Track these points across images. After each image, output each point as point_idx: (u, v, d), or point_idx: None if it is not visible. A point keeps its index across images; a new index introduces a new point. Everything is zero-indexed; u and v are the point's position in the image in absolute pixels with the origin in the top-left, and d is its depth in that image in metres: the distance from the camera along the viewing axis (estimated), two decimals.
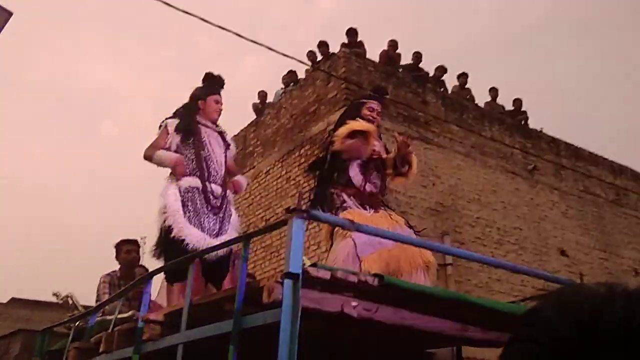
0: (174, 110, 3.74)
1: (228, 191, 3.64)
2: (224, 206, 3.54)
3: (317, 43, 9.23)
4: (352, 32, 9.02)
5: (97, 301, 4.30)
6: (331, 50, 9.11)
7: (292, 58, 6.99)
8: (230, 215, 3.58)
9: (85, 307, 4.38)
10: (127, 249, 4.57)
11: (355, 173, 3.61)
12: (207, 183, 3.47)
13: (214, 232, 3.40)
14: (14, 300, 18.02)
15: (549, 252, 8.80)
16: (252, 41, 6.48)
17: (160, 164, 3.49)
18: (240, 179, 3.88)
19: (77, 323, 3.98)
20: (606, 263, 9.41)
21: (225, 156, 3.72)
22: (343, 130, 3.61)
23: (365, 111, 3.80)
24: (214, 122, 3.75)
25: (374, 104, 3.86)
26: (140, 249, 4.90)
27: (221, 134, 3.79)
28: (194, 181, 3.45)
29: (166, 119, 3.64)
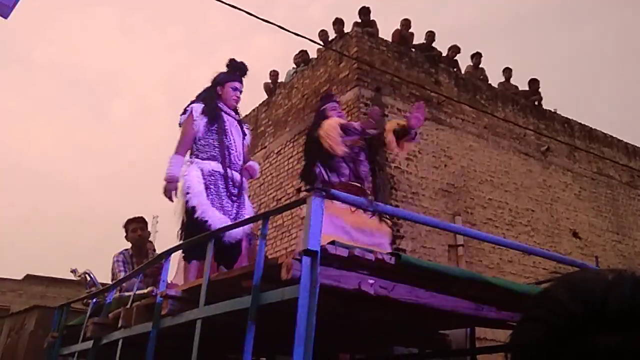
0: (197, 94, 3.75)
1: (244, 179, 3.68)
2: (241, 193, 3.59)
3: (333, 20, 9.12)
4: (364, 11, 8.92)
5: (113, 279, 4.36)
6: (346, 28, 9.02)
7: (303, 37, 6.94)
8: (244, 201, 3.63)
9: (102, 284, 4.43)
10: (132, 228, 4.61)
11: (343, 167, 3.65)
12: (227, 169, 3.51)
13: (232, 217, 3.44)
14: (29, 277, 18.29)
15: (562, 234, 8.78)
16: (264, 20, 6.43)
17: (167, 167, 3.49)
18: (254, 164, 3.91)
19: (95, 299, 4.03)
20: (619, 245, 9.38)
21: (243, 145, 3.75)
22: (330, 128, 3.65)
23: (331, 113, 3.92)
24: (232, 109, 3.76)
25: (334, 104, 4.02)
26: (154, 225, 4.93)
27: (240, 122, 3.82)
28: (216, 166, 3.49)
29: (191, 103, 3.66)
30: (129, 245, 4.63)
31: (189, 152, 3.58)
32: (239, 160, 3.65)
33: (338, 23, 9.04)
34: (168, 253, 3.31)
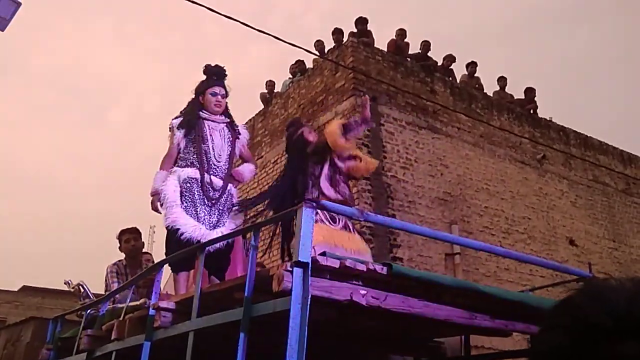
0: (180, 110, 3.79)
1: (230, 184, 3.65)
2: (224, 199, 3.56)
3: (332, 30, 9.14)
4: (361, 21, 8.97)
5: (106, 291, 4.34)
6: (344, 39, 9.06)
7: (299, 47, 6.97)
8: (231, 207, 3.61)
9: (96, 295, 4.42)
10: (126, 238, 4.59)
11: (325, 185, 3.69)
12: (205, 174, 3.50)
13: (211, 224, 3.42)
14: (25, 288, 18.22)
15: (558, 242, 8.78)
16: (259, 30, 6.46)
17: (153, 181, 3.54)
18: (243, 168, 3.86)
19: (89, 311, 4.02)
20: (615, 253, 9.38)
21: (232, 147, 3.71)
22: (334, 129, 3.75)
23: (309, 135, 4.00)
24: (217, 114, 3.73)
25: (306, 128, 4.14)
26: (151, 235, 4.92)
27: (230, 124, 3.78)
28: (193, 172, 3.50)
29: (172, 119, 3.71)
30: (122, 256, 4.61)
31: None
32: (220, 163, 3.62)
33: (337, 33, 9.08)
34: (159, 265, 3.31)
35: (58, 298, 15.81)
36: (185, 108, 3.78)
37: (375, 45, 8.63)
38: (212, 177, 3.54)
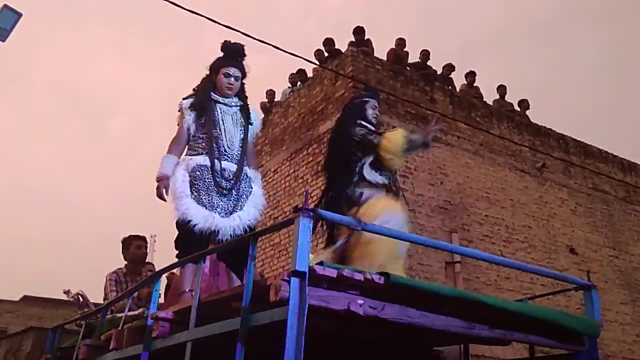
0: (193, 87, 3.57)
1: (247, 168, 3.44)
2: (240, 184, 3.36)
3: (323, 41, 9.25)
4: (358, 30, 9.03)
5: (104, 299, 4.33)
6: (337, 47, 9.15)
7: (299, 57, 7.02)
8: (250, 192, 3.40)
9: (95, 304, 4.42)
10: (137, 244, 4.55)
11: (368, 172, 3.61)
12: (215, 161, 3.29)
13: (227, 211, 3.25)
14: (26, 298, 18.24)
15: (558, 250, 8.78)
16: (259, 40, 6.50)
17: (160, 165, 3.35)
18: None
19: (88, 320, 4.02)
20: (616, 261, 9.37)
21: (245, 132, 3.49)
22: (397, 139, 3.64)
23: (370, 110, 3.84)
24: (228, 97, 3.48)
25: (375, 102, 3.92)
26: (152, 245, 4.94)
27: (243, 107, 3.54)
28: (203, 160, 3.31)
29: (183, 99, 3.49)
30: (123, 263, 4.59)
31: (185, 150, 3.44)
32: (233, 150, 3.39)
33: (329, 44, 9.19)
34: (160, 274, 3.31)
35: (59, 308, 15.81)
36: (198, 86, 3.55)
37: (374, 55, 8.68)
38: (223, 163, 3.33)
